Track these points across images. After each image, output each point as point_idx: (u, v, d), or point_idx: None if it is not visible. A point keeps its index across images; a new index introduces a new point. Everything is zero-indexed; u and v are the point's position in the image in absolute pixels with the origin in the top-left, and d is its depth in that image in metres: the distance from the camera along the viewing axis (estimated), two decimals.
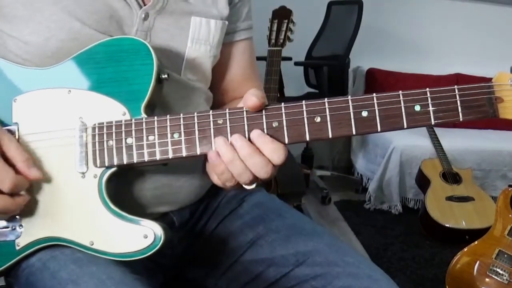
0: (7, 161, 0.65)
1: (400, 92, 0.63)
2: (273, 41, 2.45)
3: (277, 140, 0.64)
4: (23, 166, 0.66)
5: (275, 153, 0.64)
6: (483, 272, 1.76)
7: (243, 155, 0.64)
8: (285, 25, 2.46)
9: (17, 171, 0.65)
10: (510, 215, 1.83)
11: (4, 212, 0.67)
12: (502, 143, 3.16)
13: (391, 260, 2.35)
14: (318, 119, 0.64)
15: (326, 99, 0.64)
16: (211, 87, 0.90)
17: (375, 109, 0.63)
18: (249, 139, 0.65)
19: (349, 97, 0.64)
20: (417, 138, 2.97)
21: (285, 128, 0.64)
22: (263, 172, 0.64)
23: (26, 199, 0.68)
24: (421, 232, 2.62)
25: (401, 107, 0.63)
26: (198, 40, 0.82)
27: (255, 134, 0.64)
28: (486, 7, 3.88)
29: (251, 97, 0.64)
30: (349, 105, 0.63)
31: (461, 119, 0.62)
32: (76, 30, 0.73)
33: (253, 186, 0.66)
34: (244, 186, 0.67)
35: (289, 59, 2.88)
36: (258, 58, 1.01)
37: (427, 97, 0.62)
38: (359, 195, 3.22)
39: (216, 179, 0.68)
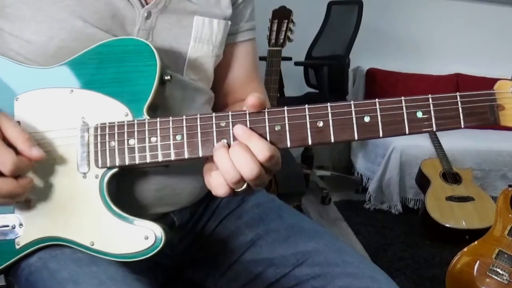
0: (7, 143, 0.64)
1: (403, 98, 0.63)
2: (273, 41, 2.45)
3: (279, 143, 0.64)
4: (24, 146, 0.64)
5: (259, 150, 0.62)
6: (483, 272, 1.76)
7: (230, 150, 0.63)
8: (285, 25, 2.46)
9: (17, 152, 0.64)
10: (510, 215, 1.83)
11: (10, 196, 0.64)
12: (502, 143, 3.16)
13: (391, 260, 2.35)
14: (320, 124, 0.64)
15: (328, 104, 0.64)
16: (213, 87, 0.90)
17: (377, 115, 0.63)
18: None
19: (352, 102, 0.64)
20: (417, 138, 2.97)
21: (287, 132, 0.64)
22: (247, 169, 0.62)
23: (31, 181, 0.66)
24: (421, 232, 2.62)
25: (403, 113, 0.63)
26: (200, 40, 0.82)
27: (240, 131, 0.64)
28: (486, 7, 3.88)
29: (251, 97, 0.64)
30: (351, 110, 0.63)
31: (462, 126, 0.63)
32: (79, 29, 0.73)
33: (243, 188, 0.65)
34: (235, 189, 0.65)
35: (289, 59, 2.88)
36: (258, 58, 1.01)
37: (429, 104, 0.63)
38: (359, 195, 3.22)
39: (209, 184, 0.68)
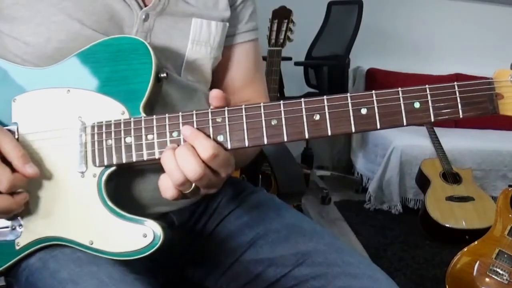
0: (3, 158, 0.65)
1: (400, 89, 0.63)
2: (273, 41, 2.46)
3: (276, 137, 0.64)
4: (19, 163, 0.65)
5: (203, 148, 0.63)
6: (483, 272, 1.76)
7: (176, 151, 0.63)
8: (285, 25, 2.46)
9: (13, 169, 0.65)
10: (510, 215, 1.83)
11: (5, 212, 0.66)
12: (502, 143, 3.16)
13: (391, 260, 2.35)
14: (317, 117, 0.63)
15: (325, 97, 0.63)
16: (212, 89, 0.90)
17: (374, 106, 0.63)
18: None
19: (348, 94, 0.63)
20: (417, 138, 2.97)
21: (284, 125, 0.64)
22: (190, 169, 0.62)
23: (26, 196, 0.67)
24: (421, 232, 2.62)
25: (400, 104, 0.62)
26: (198, 42, 0.82)
27: (187, 131, 0.64)
28: (486, 7, 3.88)
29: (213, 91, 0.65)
30: (348, 103, 0.63)
31: (461, 116, 0.62)
32: (76, 31, 0.73)
33: (190, 190, 0.65)
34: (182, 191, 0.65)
35: (289, 59, 2.88)
36: (262, 58, 1.00)
37: (427, 94, 0.62)
38: (359, 195, 3.22)
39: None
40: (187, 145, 0.63)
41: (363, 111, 0.63)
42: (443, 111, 0.62)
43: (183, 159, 0.62)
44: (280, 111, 0.64)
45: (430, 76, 3.63)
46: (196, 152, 0.63)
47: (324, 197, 3.07)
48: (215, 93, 0.65)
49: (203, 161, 0.63)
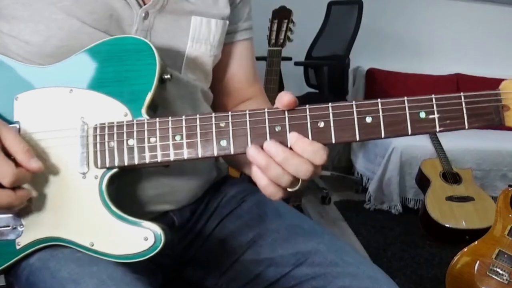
0: (7, 153, 0.64)
1: (405, 98, 0.62)
2: (273, 41, 2.46)
3: (283, 143, 0.63)
4: (23, 158, 0.64)
5: (316, 155, 0.62)
6: (483, 272, 1.76)
7: (279, 161, 0.62)
8: (285, 25, 2.46)
9: (17, 164, 0.64)
10: (510, 215, 1.83)
11: (8, 207, 0.65)
12: (502, 143, 3.16)
13: (391, 260, 2.35)
14: (321, 124, 0.63)
15: (330, 104, 0.63)
16: (213, 87, 0.90)
17: (379, 115, 0.62)
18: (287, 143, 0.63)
19: (354, 103, 0.63)
20: (417, 138, 2.97)
21: (288, 132, 0.63)
22: (303, 172, 0.62)
23: (29, 193, 0.67)
24: (421, 232, 2.62)
25: (405, 113, 0.62)
26: (198, 40, 0.82)
27: (293, 139, 0.63)
28: (486, 7, 3.88)
29: (285, 95, 0.63)
30: (353, 111, 0.62)
31: (466, 127, 0.61)
32: (76, 29, 0.73)
33: (296, 187, 0.64)
34: (288, 189, 0.65)
35: (289, 59, 2.88)
36: (258, 58, 1.01)
37: (433, 104, 0.61)
38: (359, 195, 3.22)
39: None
40: (289, 152, 0.62)
41: (368, 119, 0.62)
42: (448, 121, 0.61)
43: (293, 164, 0.61)
44: (284, 117, 0.63)
45: (430, 76, 3.63)
46: (299, 154, 0.62)
47: (324, 197, 3.07)
48: (287, 102, 0.63)
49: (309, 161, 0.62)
